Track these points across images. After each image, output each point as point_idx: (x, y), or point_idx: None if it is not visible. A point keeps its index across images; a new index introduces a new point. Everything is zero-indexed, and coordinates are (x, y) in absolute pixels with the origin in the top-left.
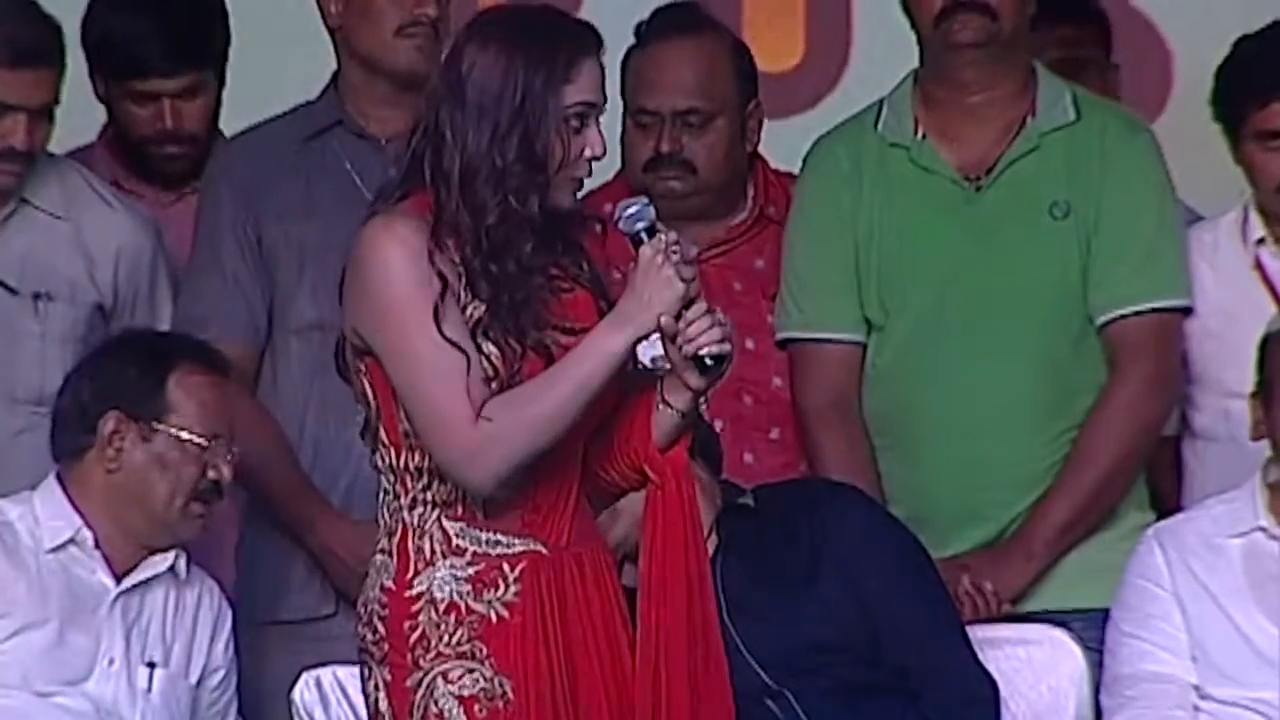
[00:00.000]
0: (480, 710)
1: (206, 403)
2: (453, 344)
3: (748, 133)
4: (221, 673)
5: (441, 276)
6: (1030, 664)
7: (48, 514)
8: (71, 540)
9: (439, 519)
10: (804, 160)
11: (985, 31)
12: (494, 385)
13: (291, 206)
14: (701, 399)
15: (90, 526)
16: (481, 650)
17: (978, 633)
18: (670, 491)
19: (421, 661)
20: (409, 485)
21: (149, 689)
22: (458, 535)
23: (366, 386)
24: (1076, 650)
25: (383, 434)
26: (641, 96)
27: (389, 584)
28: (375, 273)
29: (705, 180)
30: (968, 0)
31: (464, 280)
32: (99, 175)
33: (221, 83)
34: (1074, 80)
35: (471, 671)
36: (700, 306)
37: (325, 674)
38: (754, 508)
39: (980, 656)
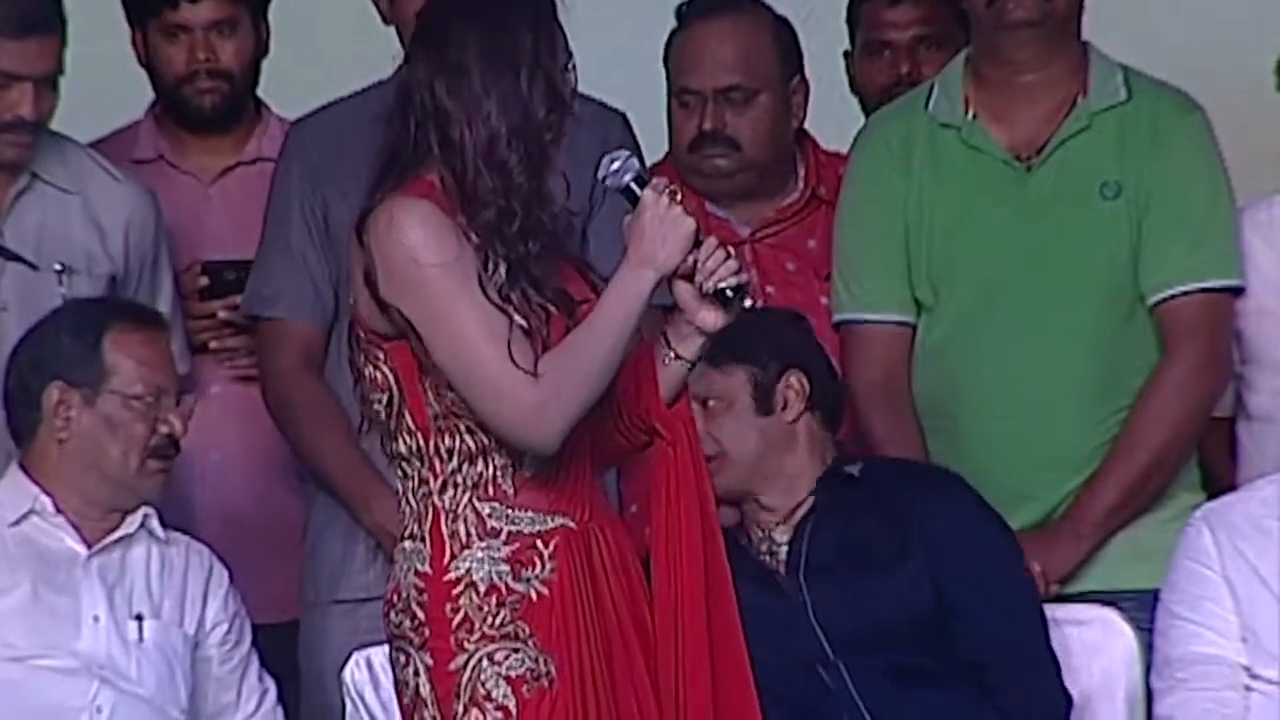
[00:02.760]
0: (527, 690)
1: (145, 359)
2: (497, 306)
3: (793, 109)
4: (225, 627)
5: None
6: (1082, 644)
7: (7, 494)
8: (31, 511)
9: (471, 501)
10: (854, 141)
11: (1039, 10)
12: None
13: (360, 186)
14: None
15: (50, 495)
16: (524, 630)
17: None
18: (682, 447)
19: (466, 644)
20: (438, 469)
21: (140, 639)
22: (491, 516)
23: (387, 373)
24: (1128, 630)
25: (408, 419)
26: (683, 76)
27: (425, 569)
28: (406, 252)
29: (750, 157)
30: None
31: (482, 249)
32: (146, 150)
33: (259, 33)
34: (934, 58)
35: (517, 651)
36: (712, 241)
37: (376, 653)
38: (857, 478)
39: None
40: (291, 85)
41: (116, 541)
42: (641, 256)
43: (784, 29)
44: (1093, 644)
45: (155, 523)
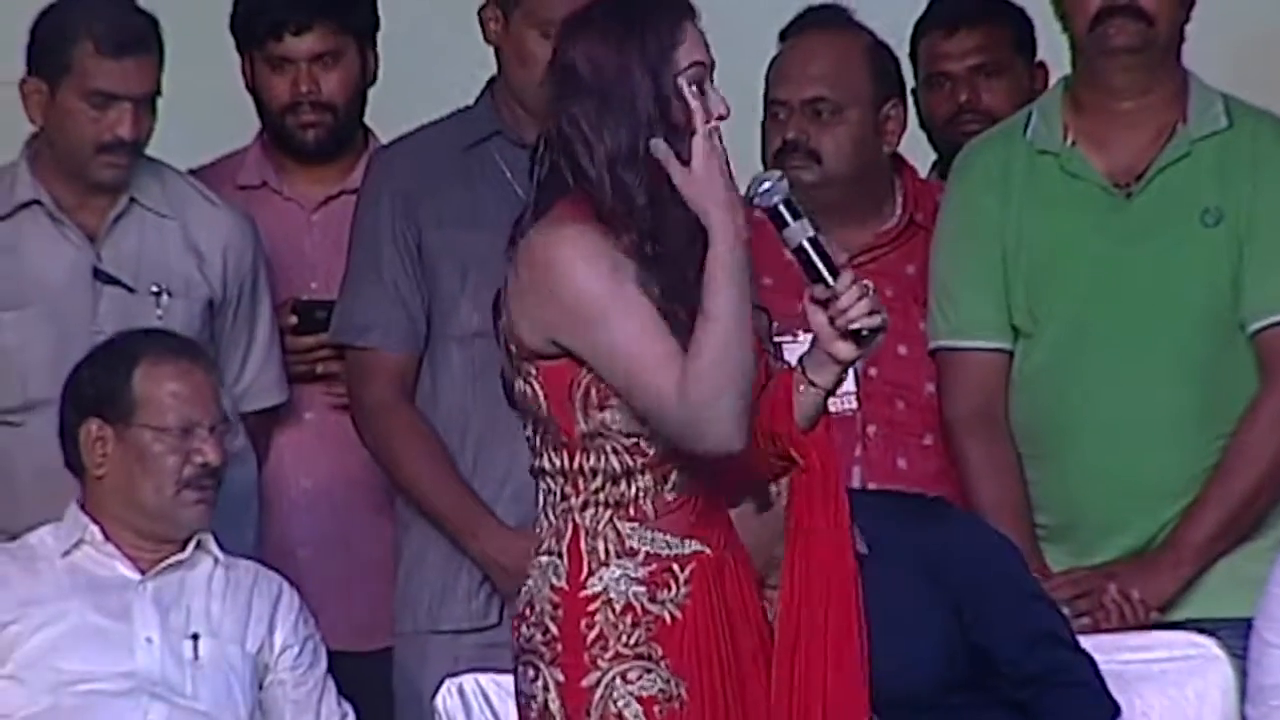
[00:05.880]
0: (660, 711)
1: (176, 392)
2: (651, 322)
3: (885, 132)
4: (295, 650)
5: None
6: (1179, 672)
7: (63, 527)
8: (81, 540)
9: (612, 520)
10: (952, 167)
11: (1141, 36)
12: None
13: (453, 214)
14: (845, 374)
15: (100, 525)
16: (657, 651)
17: (1125, 641)
18: (816, 473)
19: (600, 661)
20: (581, 487)
21: (196, 657)
22: (630, 536)
23: (537, 390)
24: (1224, 658)
25: (554, 437)
26: (774, 89)
27: (561, 584)
28: (562, 277)
29: (831, 172)
30: (1123, 5)
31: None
32: (251, 176)
33: (366, 63)
34: (992, 86)
35: (649, 672)
36: (848, 275)
37: (468, 680)
38: (868, 555)
39: (1124, 665)
40: (384, 109)
41: (174, 565)
42: (719, 219)
43: (881, 51)
44: (1189, 672)
45: (213, 545)
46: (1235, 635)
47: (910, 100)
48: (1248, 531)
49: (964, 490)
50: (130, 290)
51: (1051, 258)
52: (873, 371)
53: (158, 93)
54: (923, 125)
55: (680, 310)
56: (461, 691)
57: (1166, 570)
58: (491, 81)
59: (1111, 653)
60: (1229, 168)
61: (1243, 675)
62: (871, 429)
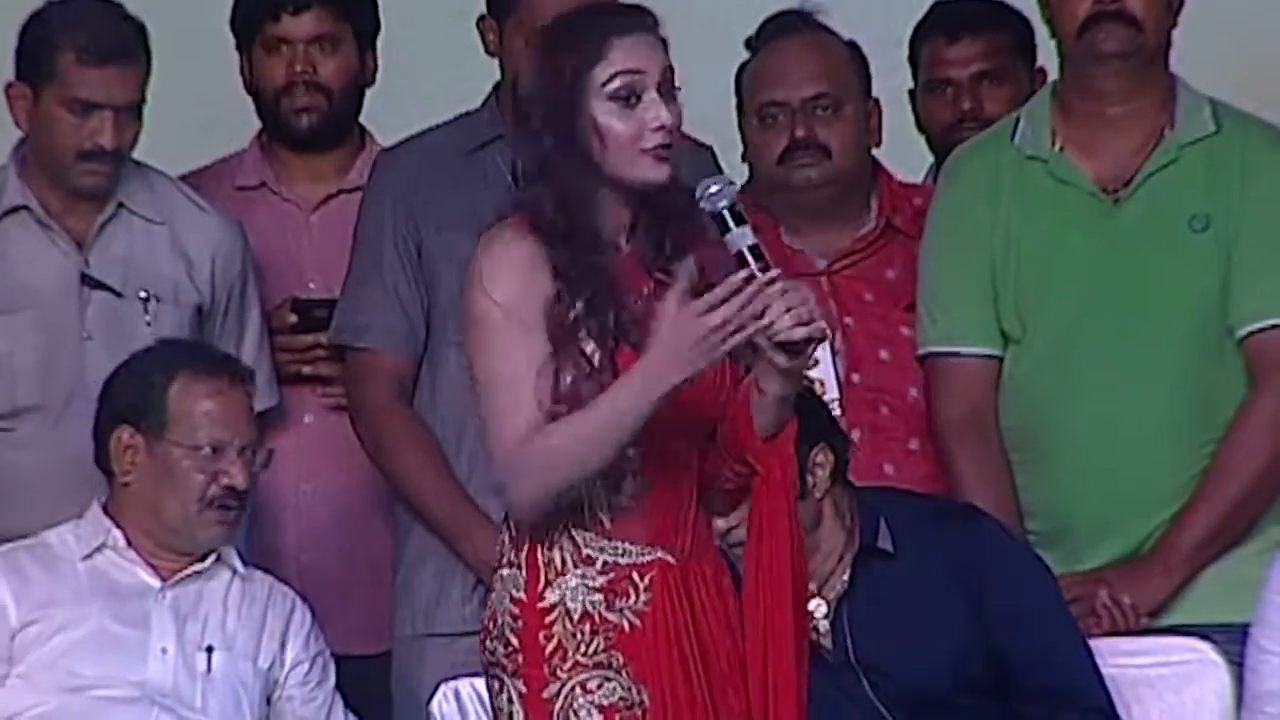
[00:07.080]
0: (620, 719)
1: (210, 411)
2: (528, 361)
3: (871, 129)
4: (306, 667)
5: (556, 283)
6: (1175, 678)
7: (84, 528)
8: (103, 544)
9: (568, 529)
10: (941, 173)
11: (1130, 42)
12: (591, 382)
13: (454, 218)
14: (799, 380)
15: (122, 529)
16: (618, 659)
17: (1119, 645)
18: (774, 480)
19: (559, 672)
20: None
21: (208, 670)
22: (586, 545)
23: None
24: (1220, 663)
25: None
26: (767, 91)
27: (520, 596)
28: (471, 286)
29: (840, 167)
30: (1113, 10)
31: (561, 281)
32: (249, 177)
33: (365, 59)
34: (995, 93)
35: (609, 680)
36: (777, 289)
37: (464, 685)
38: (893, 553)
39: (1121, 670)
40: (388, 114)
41: (193, 576)
42: (659, 369)
43: (856, 49)
44: (1185, 677)
45: (235, 559)
46: (1227, 640)
47: (909, 103)
48: (1238, 536)
49: (953, 496)
50: (118, 295)
51: (1040, 264)
52: (855, 377)
53: (143, 101)
54: (920, 129)
55: (590, 326)
56: (458, 696)
57: (1157, 575)
58: (497, 86)
59: (1109, 658)
60: (1217, 173)
61: (1236, 681)
62: (856, 434)
